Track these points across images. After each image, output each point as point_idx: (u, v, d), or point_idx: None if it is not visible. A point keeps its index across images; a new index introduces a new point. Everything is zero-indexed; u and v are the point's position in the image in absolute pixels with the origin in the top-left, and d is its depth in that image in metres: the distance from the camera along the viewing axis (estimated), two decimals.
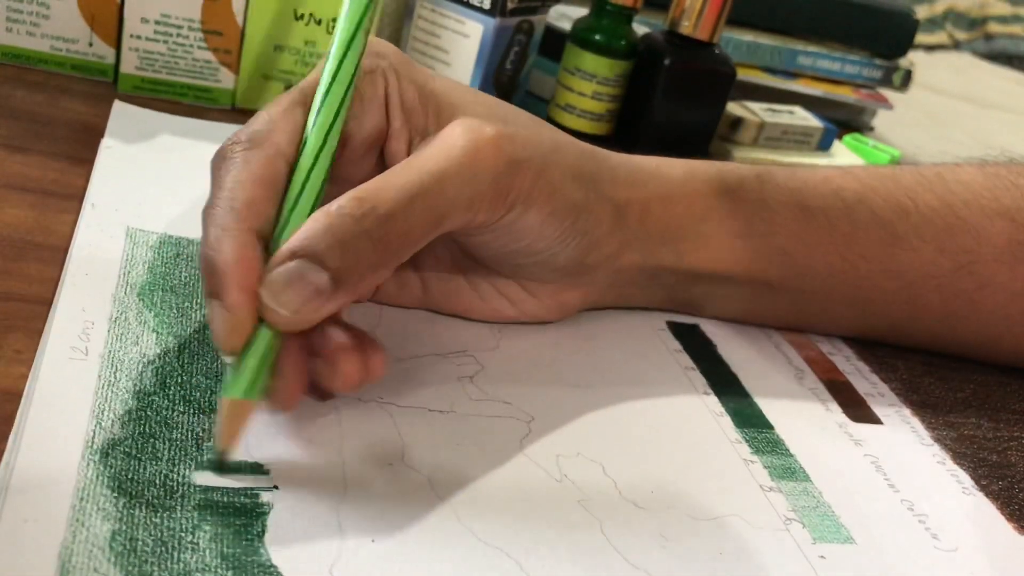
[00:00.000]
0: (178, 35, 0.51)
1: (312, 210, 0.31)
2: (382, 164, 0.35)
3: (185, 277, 0.37)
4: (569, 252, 0.37)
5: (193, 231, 0.40)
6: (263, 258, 0.29)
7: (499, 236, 0.35)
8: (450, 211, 0.32)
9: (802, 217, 0.42)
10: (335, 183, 0.32)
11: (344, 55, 0.32)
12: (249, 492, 0.28)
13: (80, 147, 0.45)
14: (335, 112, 0.32)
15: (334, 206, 0.30)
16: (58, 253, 0.37)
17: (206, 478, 0.28)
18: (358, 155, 0.35)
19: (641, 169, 0.40)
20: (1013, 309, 0.43)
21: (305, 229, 0.29)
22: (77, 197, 0.40)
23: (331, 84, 0.32)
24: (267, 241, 0.30)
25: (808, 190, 0.42)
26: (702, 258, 0.41)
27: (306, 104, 0.32)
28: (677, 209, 0.40)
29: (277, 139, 0.31)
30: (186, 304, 0.35)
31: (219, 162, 0.31)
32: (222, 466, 0.29)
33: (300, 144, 0.32)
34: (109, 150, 0.44)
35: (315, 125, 0.32)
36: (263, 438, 0.30)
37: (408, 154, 0.34)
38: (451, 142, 0.32)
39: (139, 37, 0.51)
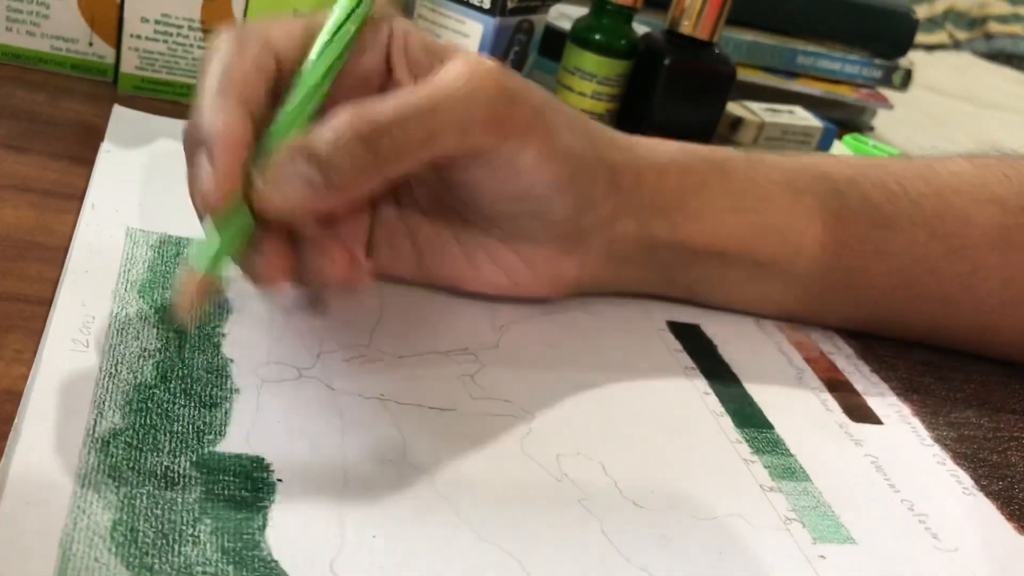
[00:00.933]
0: (178, 35, 0.51)
1: (310, 114, 0.32)
2: None
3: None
4: (564, 207, 0.37)
5: (193, 231, 0.40)
6: (253, 136, 0.31)
7: (495, 173, 0.36)
8: (443, 129, 0.33)
9: (792, 196, 0.42)
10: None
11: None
12: (250, 486, 0.28)
13: (80, 147, 0.45)
14: (337, 31, 0.33)
15: (332, 114, 0.31)
16: (58, 253, 0.37)
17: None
18: (354, 87, 0.35)
19: (635, 142, 0.41)
20: (1006, 295, 0.44)
21: (302, 135, 0.31)
22: (77, 197, 0.40)
23: (339, 18, 0.33)
24: (258, 126, 0.31)
25: (797, 171, 0.43)
26: (695, 231, 0.41)
27: (307, 26, 0.34)
28: (669, 181, 0.41)
29: (273, 34, 0.33)
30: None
31: (212, 49, 0.32)
32: (167, 322, 0.30)
33: (296, 49, 0.33)
34: (108, 154, 0.44)
35: (323, 44, 0.33)
36: (265, 433, 0.30)
37: None
38: (449, 69, 0.34)
39: (139, 37, 0.51)
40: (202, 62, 0.33)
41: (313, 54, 0.33)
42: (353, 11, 0.33)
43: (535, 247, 0.39)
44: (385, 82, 0.36)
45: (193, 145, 0.31)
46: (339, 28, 0.33)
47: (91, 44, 0.52)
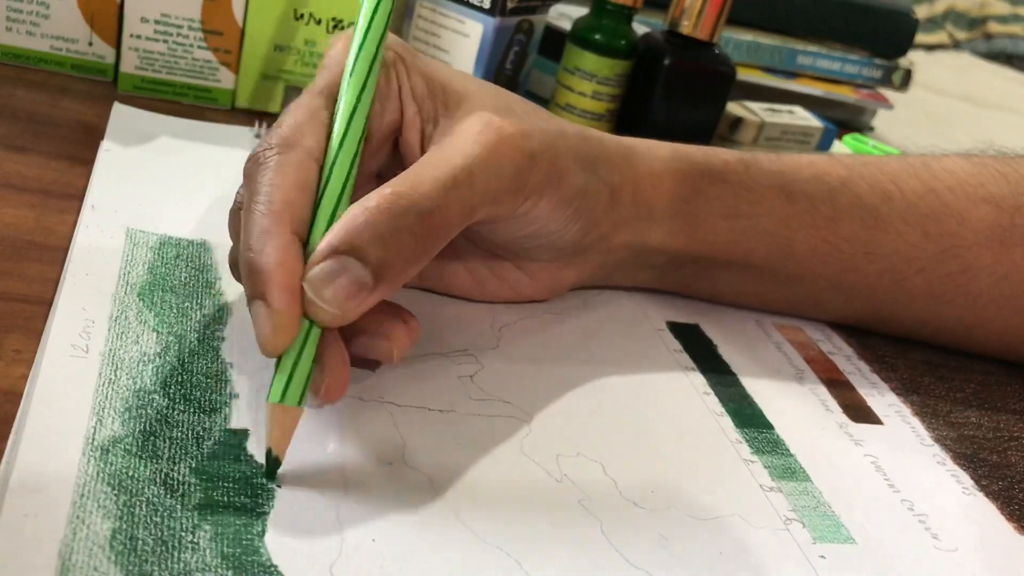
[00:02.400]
0: (178, 35, 0.51)
1: (340, 205, 0.31)
2: (396, 153, 0.37)
3: (185, 278, 0.37)
4: (571, 234, 0.39)
5: (193, 232, 0.40)
6: (303, 260, 0.30)
7: (511, 224, 0.37)
8: (480, 203, 0.33)
9: (785, 200, 0.42)
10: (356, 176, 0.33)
11: (361, 48, 0.33)
12: (249, 491, 0.28)
13: (80, 147, 0.45)
14: (355, 108, 0.33)
15: (372, 201, 0.30)
16: (58, 253, 0.37)
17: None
18: (377, 147, 0.35)
19: (632, 150, 0.41)
20: (999, 292, 0.44)
21: (343, 224, 0.30)
22: (77, 197, 0.40)
23: (351, 82, 0.33)
24: (304, 242, 0.30)
25: (791, 174, 0.43)
26: (687, 237, 0.42)
27: (329, 105, 0.33)
28: (663, 189, 0.41)
29: (307, 142, 0.32)
30: (186, 304, 0.35)
31: (253, 167, 0.31)
32: (273, 471, 0.29)
33: (327, 143, 0.32)
34: (108, 153, 0.44)
35: (341, 124, 0.32)
36: (263, 438, 0.30)
37: (422, 142, 0.35)
38: (474, 137, 0.33)
39: (139, 37, 0.51)
40: (246, 183, 0.32)
41: (335, 139, 0.32)
42: (362, 93, 0.33)
43: (539, 264, 0.41)
44: (400, 123, 0.36)
45: (249, 274, 0.30)
46: (353, 112, 0.33)
47: (91, 44, 0.52)
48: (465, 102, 0.35)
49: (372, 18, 0.34)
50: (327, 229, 0.30)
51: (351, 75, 0.33)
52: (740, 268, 0.43)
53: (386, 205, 0.30)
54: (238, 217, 0.32)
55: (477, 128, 0.33)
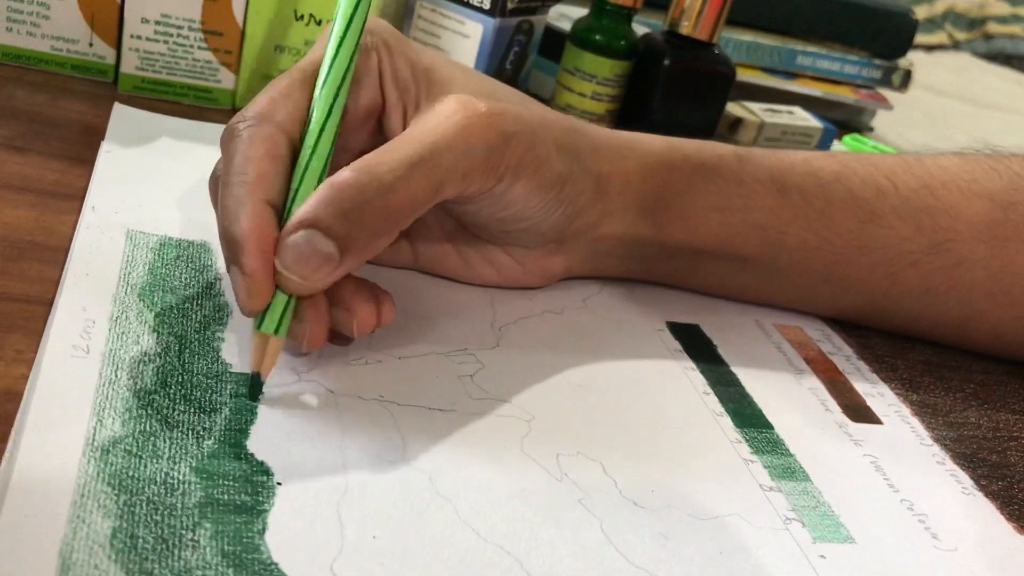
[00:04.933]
0: (178, 35, 0.51)
1: (320, 181, 0.33)
2: (379, 135, 0.38)
3: (185, 279, 0.37)
4: (553, 220, 0.39)
5: (193, 233, 0.40)
6: (277, 227, 0.32)
7: (489, 205, 0.37)
8: (446, 181, 0.34)
9: (778, 194, 0.43)
10: (336, 154, 0.34)
11: (344, 35, 0.35)
12: (250, 490, 0.28)
13: (80, 147, 0.45)
14: (337, 91, 0.34)
15: (339, 177, 0.32)
16: (58, 253, 0.37)
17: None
18: (356, 127, 0.37)
19: (623, 143, 0.42)
20: (992, 286, 0.44)
21: (312, 200, 0.31)
22: (77, 197, 0.40)
23: (332, 64, 0.34)
24: (279, 211, 0.32)
25: (785, 168, 0.43)
26: (678, 229, 0.42)
27: (305, 83, 0.35)
28: (656, 182, 0.41)
29: (279, 116, 0.34)
30: (186, 304, 0.35)
31: (228, 139, 0.33)
32: (255, 391, 0.32)
33: (302, 121, 0.34)
34: (109, 154, 0.44)
35: (319, 103, 0.34)
36: (264, 436, 0.30)
37: (404, 126, 0.36)
38: (446, 116, 0.34)
39: (139, 37, 0.51)
40: (222, 154, 0.34)
41: (314, 119, 0.34)
42: (341, 61, 0.35)
43: (526, 251, 0.41)
44: (382, 111, 0.37)
45: (226, 242, 0.32)
46: (334, 83, 0.34)
47: (91, 45, 0.52)
48: (448, 87, 0.36)
49: (356, 3, 0.35)
50: (303, 202, 0.32)
51: (330, 56, 0.34)
52: (732, 261, 0.43)
53: (352, 181, 0.31)
54: (216, 185, 0.34)
55: (451, 108, 0.34)
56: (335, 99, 0.34)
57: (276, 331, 0.31)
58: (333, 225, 0.31)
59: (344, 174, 0.32)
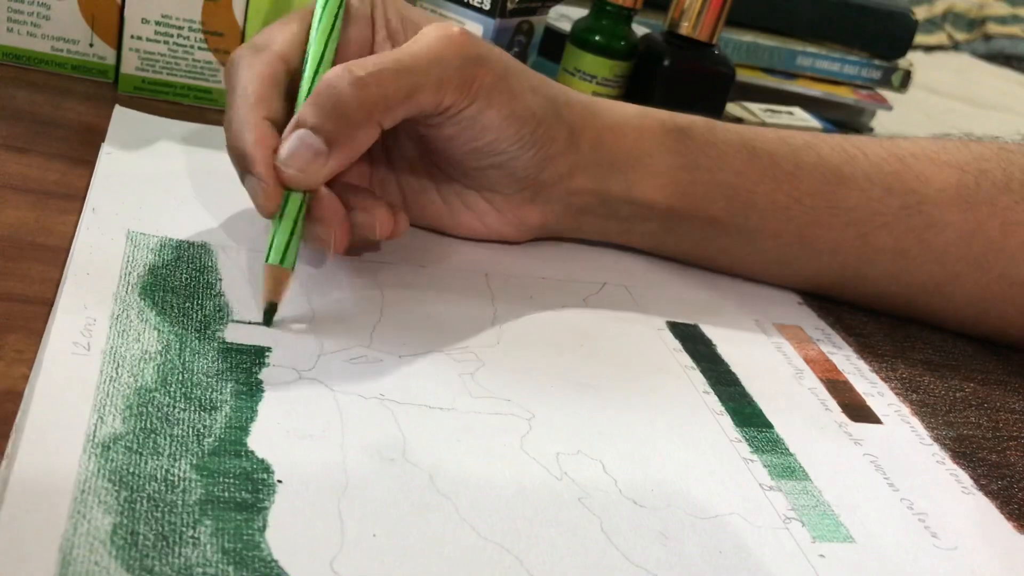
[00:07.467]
0: (179, 36, 0.51)
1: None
2: None
3: (186, 279, 0.37)
4: (525, 161, 0.42)
5: (194, 235, 0.40)
6: (278, 138, 0.36)
7: (464, 130, 0.40)
8: (421, 86, 0.37)
9: (747, 156, 0.44)
10: None
11: None
12: (250, 487, 0.28)
13: (81, 148, 0.45)
14: (331, 24, 0.39)
15: (324, 76, 0.36)
16: (59, 254, 0.37)
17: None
18: (352, 52, 0.40)
19: (597, 104, 0.44)
20: (966, 250, 0.45)
21: (304, 106, 0.36)
22: (78, 198, 0.40)
23: (326, 3, 0.39)
24: (280, 126, 0.37)
25: (755, 135, 0.46)
26: (648, 187, 0.44)
27: (302, 21, 0.39)
28: (626, 141, 0.43)
29: (276, 46, 0.39)
30: (187, 304, 0.35)
31: (230, 67, 0.38)
32: (269, 318, 0.35)
33: (300, 50, 0.39)
34: (109, 156, 0.44)
35: (316, 34, 0.39)
36: (265, 434, 0.30)
37: None
38: (424, 35, 0.38)
39: (140, 38, 0.51)
40: (225, 84, 0.38)
41: (310, 49, 0.38)
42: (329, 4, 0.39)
43: (503, 197, 0.44)
44: (370, 45, 0.41)
45: (235, 157, 0.37)
46: (328, 18, 0.39)
47: (92, 45, 0.52)
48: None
49: None
50: None
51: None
52: (702, 222, 0.45)
53: (333, 81, 0.36)
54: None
55: (430, 32, 0.38)
56: (331, 31, 0.39)
57: (282, 261, 0.35)
58: (318, 123, 0.35)
59: (328, 73, 0.36)
